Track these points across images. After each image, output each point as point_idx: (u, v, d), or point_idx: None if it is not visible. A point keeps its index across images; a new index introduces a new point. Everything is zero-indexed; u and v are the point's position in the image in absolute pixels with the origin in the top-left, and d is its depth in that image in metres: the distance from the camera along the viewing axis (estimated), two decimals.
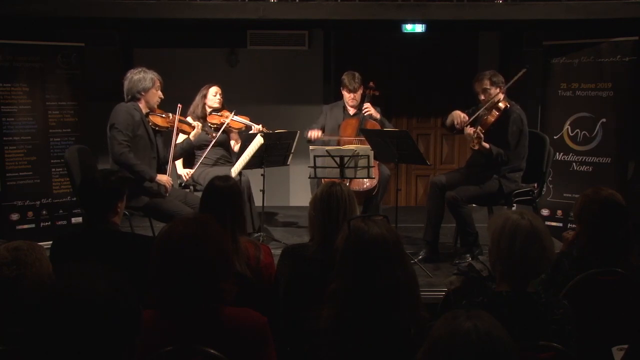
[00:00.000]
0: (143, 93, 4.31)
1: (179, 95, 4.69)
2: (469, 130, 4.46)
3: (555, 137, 5.54)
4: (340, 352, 1.98)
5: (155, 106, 4.41)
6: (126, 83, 4.32)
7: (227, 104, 5.14)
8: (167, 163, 4.42)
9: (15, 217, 5.28)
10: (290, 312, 2.64)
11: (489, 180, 4.52)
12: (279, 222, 5.89)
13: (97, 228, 2.86)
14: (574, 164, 5.57)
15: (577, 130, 5.54)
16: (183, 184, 4.95)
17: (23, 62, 5.27)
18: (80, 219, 5.53)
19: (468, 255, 4.43)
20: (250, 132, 4.87)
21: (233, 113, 5.00)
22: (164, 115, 4.47)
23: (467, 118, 4.54)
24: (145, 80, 4.30)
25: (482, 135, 4.33)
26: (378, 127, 5.12)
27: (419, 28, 6.47)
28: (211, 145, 4.85)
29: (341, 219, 2.62)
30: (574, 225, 3.79)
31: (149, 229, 4.59)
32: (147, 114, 4.37)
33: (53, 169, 5.43)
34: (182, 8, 5.23)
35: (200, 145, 4.87)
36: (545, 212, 5.61)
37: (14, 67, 5.22)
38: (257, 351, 1.89)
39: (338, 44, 6.88)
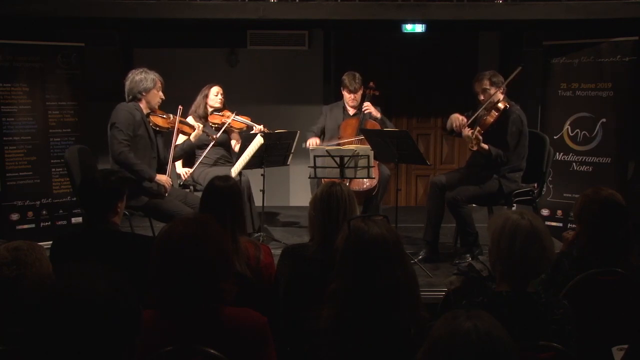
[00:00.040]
0: (144, 93, 4.32)
1: (179, 95, 4.70)
2: (467, 131, 4.45)
3: (555, 137, 5.53)
4: (340, 352, 1.98)
5: (156, 107, 4.41)
6: (127, 83, 4.33)
7: (227, 104, 5.14)
8: (167, 163, 4.43)
9: (15, 217, 5.28)
10: (290, 312, 2.64)
11: (489, 180, 4.51)
12: (279, 222, 5.89)
13: (97, 228, 2.86)
14: (574, 164, 5.57)
15: (577, 130, 5.54)
16: (183, 184, 4.95)
17: (23, 62, 5.27)
18: (80, 219, 5.53)
19: (468, 255, 4.44)
20: (252, 132, 4.88)
21: (235, 113, 5.00)
22: (164, 116, 4.48)
23: (465, 120, 4.54)
24: (146, 81, 4.31)
25: (480, 137, 4.33)
26: (378, 127, 5.12)
27: (419, 28, 6.46)
28: (211, 144, 4.86)
29: (341, 219, 2.62)
30: (574, 225, 3.79)
31: (149, 229, 4.59)
32: (148, 115, 4.38)
33: (53, 169, 5.43)
34: (182, 8, 5.23)
35: (201, 144, 4.87)
36: (545, 212, 5.61)
37: (14, 67, 5.22)
38: (257, 351, 1.89)
39: (338, 44, 6.88)
